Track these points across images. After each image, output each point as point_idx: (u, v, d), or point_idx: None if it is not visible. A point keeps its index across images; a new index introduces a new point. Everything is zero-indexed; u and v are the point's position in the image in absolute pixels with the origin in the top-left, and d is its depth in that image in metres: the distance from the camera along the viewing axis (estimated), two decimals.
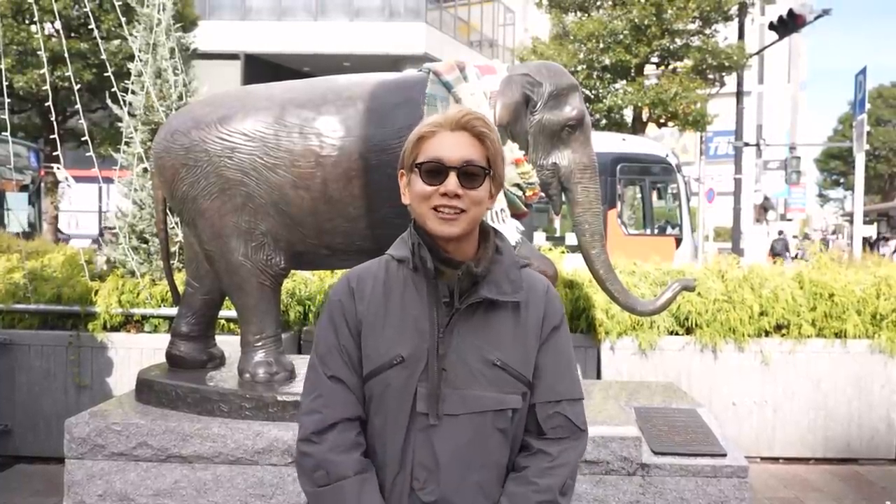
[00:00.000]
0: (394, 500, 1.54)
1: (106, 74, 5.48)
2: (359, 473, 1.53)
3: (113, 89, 5.54)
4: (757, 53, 20.89)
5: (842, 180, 47.19)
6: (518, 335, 1.58)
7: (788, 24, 16.00)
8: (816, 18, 15.69)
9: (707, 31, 17.36)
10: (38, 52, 6.43)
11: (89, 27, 14.14)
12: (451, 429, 1.52)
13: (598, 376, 4.98)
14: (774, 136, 37.21)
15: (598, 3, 17.70)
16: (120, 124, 5.68)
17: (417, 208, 1.56)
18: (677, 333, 5.04)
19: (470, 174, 1.52)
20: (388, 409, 1.55)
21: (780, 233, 26.27)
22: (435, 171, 1.52)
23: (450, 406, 1.52)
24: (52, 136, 5.74)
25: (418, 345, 1.54)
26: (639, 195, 13.38)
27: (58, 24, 13.28)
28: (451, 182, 1.51)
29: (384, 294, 1.58)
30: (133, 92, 5.63)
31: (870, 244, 23.58)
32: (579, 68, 17.07)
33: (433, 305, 1.55)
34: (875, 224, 33.06)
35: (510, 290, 1.58)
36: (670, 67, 17.68)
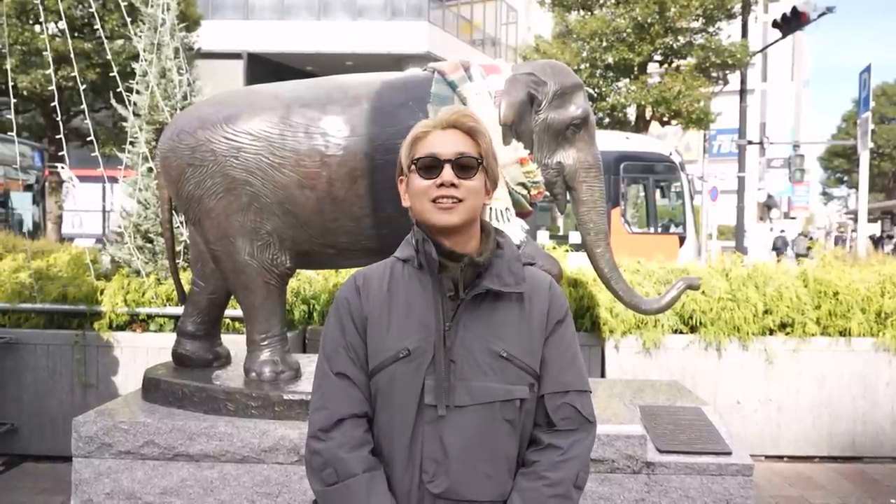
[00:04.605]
0: (402, 493, 1.55)
1: (112, 75, 5.50)
2: (367, 471, 1.54)
3: (118, 89, 5.55)
4: (760, 51, 20.89)
5: (845, 178, 47.10)
6: (523, 327, 1.61)
7: (792, 22, 15.96)
8: (820, 16, 15.64)
9: (710, 29, 17.34)
10: (45, 53, 6.45)
11: (94, 27, 14.22)
12: (459, 420, 1.54)
13: (603, 375, 4.99)
14: (778, 134, 37.16)
15: (601, 2, 17.69)
16: (124, 124, 5.69)
17: (417, 204, 1.60)
18: (681, 332, 5.05)
19: (464, 166, 1.59)
20: (395, 402, 1.56)
21: (782, 231, 26.81)
22: (430, 166, 1.59)
23: (458, 398, 1.54)
24: (57, 137, 5.75)
25: (424, 338, 1.56)
26: (642, 194, 13.37)
27: (62, 24, 13.33)
28: (447, 173, 1.57)
29: (389, 291, 1.62)
30: (138, 92, 5.64)
31: (874, 242, 23.68)
32: (582, 67, 17.06)
33: (438, 298, 1.58)
34: (879, 222, 33.05)
35: (512, 281, 1.61)
36: (673, 65, 17.66)
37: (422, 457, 1.54)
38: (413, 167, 1.60)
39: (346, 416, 1.57)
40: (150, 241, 5.42)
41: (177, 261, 3.82)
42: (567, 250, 5.98)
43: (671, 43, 17.08)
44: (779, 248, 23.11)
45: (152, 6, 5.66)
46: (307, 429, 1.62)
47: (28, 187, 15.15)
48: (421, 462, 1.54)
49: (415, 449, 1.55)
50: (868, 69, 12.51)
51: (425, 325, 1.57)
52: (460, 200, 1.56)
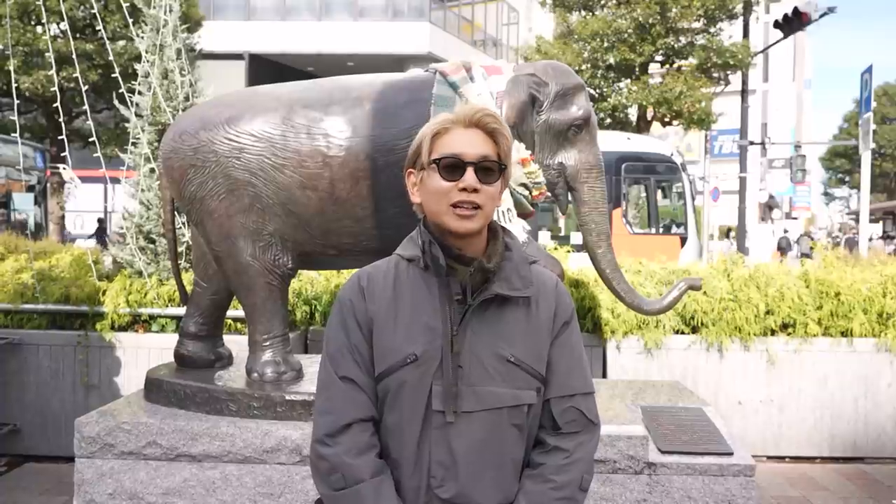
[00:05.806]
0: (410, 497, 1.54)
1: (113, 76, 5.51)
2: (375, 476, 1.53)
3: (120, 90, 5.57)
4: (762, 52, 20.86)
5: (847, 179, 47.13)
6: (530, 331, 1.59)
7: (793, 22, 15.96)
8: (821, 16, 15.64)
9: (712, 30, 17.34)
10: (47, 54, 6.47)
11: (95, 28, 14.24)
12: (467, 426, 1.53)
13: (604, 375, 4.99)
14: (779, 134, 37.13)
15: (603, 2, 17.70)
16: (126, 125, 5.70)
17: (434, 205, 1.55)
18: (683, 332, 5.05)
19: (486, 169, 1.54)
20: (403, 407, 1.55)
21: (785, 231, 27.08)
22: (453, 167, 1.53)
23: (465, 403, 1.53)
24: (59, 138, 5.76)
25: (431, 342, 1.54)
26: (643, 194, 13.38)
27: (64, 25, 13.34)
28: (470, 177, 1.52)
29: (394, 293, 1.59)
30: (140, 93, 5.65)
31: (884, 241, 23.86)
32: (584, 67, 17.06)
33: (445, 303, 1.55)
34: (881, 222, 33.06)
35: (521, 285, 1.59)
36: (675, 66, 17.66)
37: (429, 462, 1.53)
38: (434, 165, 1.54)
39: (353, 420, 1.55)
40: (153, 242, 5.43)
41: (179, 261, 3.82)
42: (568, 251, 5.98)
43: (672, 43, 17.07)
44: (783, 247, 23.29)
45: (154, 7, 5.67)
46: (311, 431, 1.61)
47: (30, 188, 15.19)
48: (429, 467, 1.53)
49: (422, 454, 1.54)
50: (870, 69, 12.49)
51: (432, 328, 1.55)
52: (480, 206, 1.53)
